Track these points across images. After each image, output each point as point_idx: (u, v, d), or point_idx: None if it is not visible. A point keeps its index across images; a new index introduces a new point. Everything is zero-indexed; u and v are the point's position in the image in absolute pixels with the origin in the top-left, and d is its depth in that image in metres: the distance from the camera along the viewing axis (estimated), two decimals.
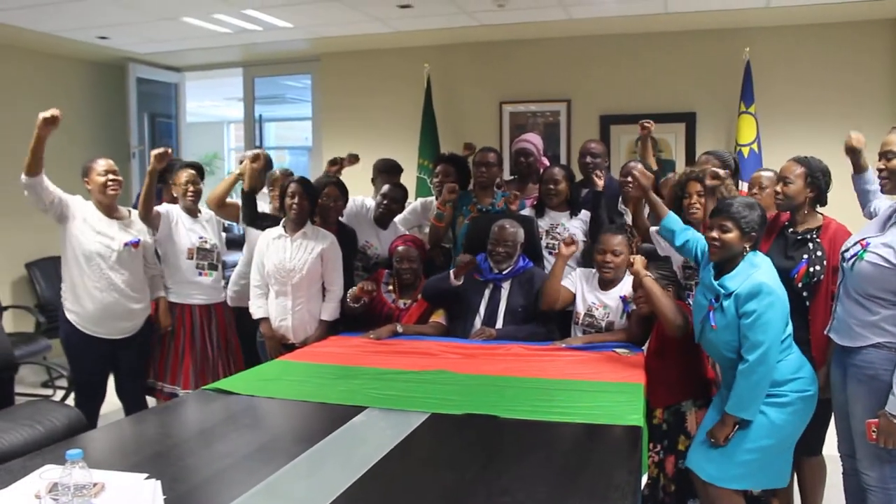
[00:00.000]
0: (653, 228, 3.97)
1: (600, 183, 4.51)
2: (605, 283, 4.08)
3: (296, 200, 4.25)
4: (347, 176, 5.02)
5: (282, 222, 4.36)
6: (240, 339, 4.64)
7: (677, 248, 3.47)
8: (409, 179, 5.81)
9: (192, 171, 4.54)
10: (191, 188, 4.50)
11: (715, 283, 3.05)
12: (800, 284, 3.27)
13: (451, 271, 4.25)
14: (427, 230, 5.04)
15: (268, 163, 4.90)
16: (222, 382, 3.32)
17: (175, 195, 4.56)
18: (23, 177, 3.85)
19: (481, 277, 4.30)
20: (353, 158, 5.27)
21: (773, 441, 2.97)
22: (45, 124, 3.68)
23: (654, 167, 4.71)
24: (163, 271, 4.49)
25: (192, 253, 4.45)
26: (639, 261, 3.55)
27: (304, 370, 3.53)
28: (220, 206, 4.64)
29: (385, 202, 4.82)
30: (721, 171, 3.76)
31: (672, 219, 3.46)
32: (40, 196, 3.91)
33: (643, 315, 3.73)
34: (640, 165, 4.60)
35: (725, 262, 3.07)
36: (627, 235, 4.12)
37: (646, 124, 4.74)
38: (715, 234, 3.06)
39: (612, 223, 4.49)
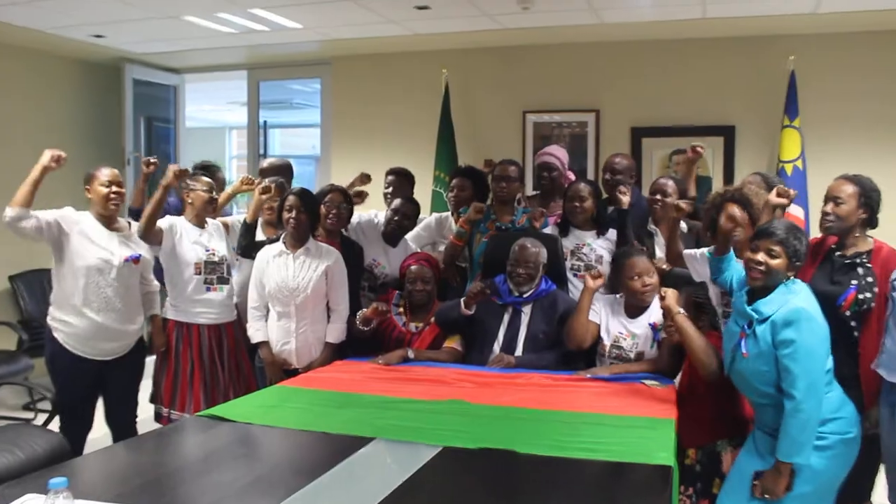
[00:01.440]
0: (687, 252, 3.97)
1: (625, 200, 4.52)
2: (633, 310, 4.07)
3: (293, 214, 4.26)
4: None
5: (281, 238, 4.37)
6: (254, 361, 4.63)
7: (713, 279, 3.49)
8: (423, 193, 5.83)
9: (208, 180, 4.51)
10: (207, 196, 4.44)
11: (748, 308, 3.04)
12: (847, 312, 3.24)
13: (462, 300, 4.26)
14: (441, 248, 5.04)
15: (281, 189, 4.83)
16: (218, 409, 3.31)
17: (189, 201, 4.46)
18: (11, 210, 3.86)
19: (500, 301, 4.30)
20: (365, 178, 5.28)
21: (811, 488, 2.93)
22: (50, 161, 3.84)
23: (693, 192, 4.71)
24: (158, 288, 4.50)
25: (200, 267, 4.39)
26: (671, 295, 3.56)
27: (307, 397, 3.53)
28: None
29: (396, 217, 4.83)
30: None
31: (730, 257, 3.48)
32: (27, 228, 3.90)
33: (674, 344, 3.72)
34: (670, 183, 4.61)
35: (765, 288, 3.05)
36: (649, 258, 4.12)
37: (698, 149, 4.75)
38: (760, 257, 3.04)
39: (641, 242, 4.49)
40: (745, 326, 3.03)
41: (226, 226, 4.65)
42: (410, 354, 4.21)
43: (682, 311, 3.51)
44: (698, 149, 4.75)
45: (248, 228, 4.54)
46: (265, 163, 5.62)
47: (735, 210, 3.57)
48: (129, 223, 4.35)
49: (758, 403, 3.10)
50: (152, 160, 4.72)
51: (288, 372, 4.27)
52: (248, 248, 4.56)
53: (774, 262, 3.02)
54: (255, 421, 3.14)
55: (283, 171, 5.46)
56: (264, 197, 4.55)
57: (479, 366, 4.12)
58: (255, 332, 4.35)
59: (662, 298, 3.57)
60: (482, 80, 6.84)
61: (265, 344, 4.33)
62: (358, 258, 4.69)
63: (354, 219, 4.84)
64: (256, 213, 4.55)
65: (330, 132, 7.41)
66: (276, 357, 4.32)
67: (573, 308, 4.13)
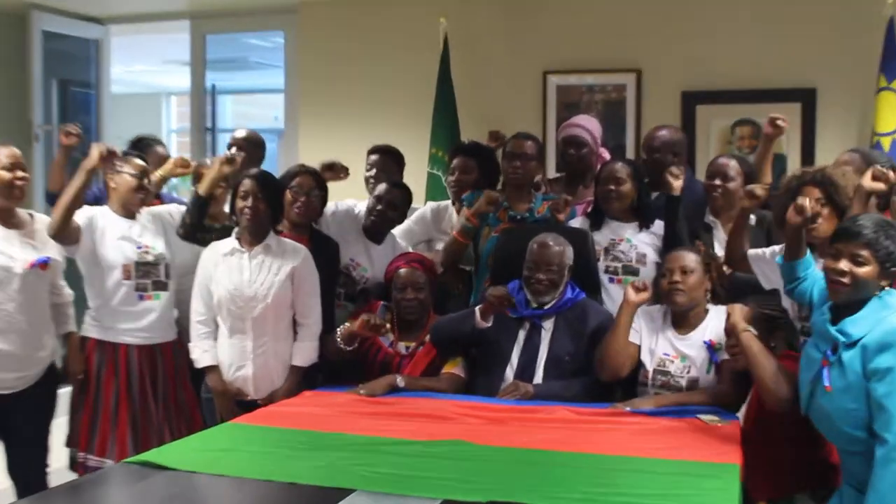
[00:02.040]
0: (754, 252, 3.97)
1: (677, 184, 4.52)
2: (682, 323, 4.08)
3: (249, 203, 4.25)
4: None
5: (234, 233, 4.37)
6: (200, 391, 4.62)
7: (787, 291, 3.50)
8: (415, 176, 5.82)
9: (140, 163, 4.46)
10: (135, 182, 4.40)
11: (832, 328, 3.03)
12: None
13: (478, 308, 4.26)
14: (439, 246, 5.05)
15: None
16: (153, 454, 3.31)
17: (113, 186, 4.43)
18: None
19: (515, 314, 4.30)
20: (338, 168, 5.22)
21: None
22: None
23: (769, 179, 4.71)
24: (72, 298, 4.49)
25: (129, 270, 4.36)
26: (738, 312, 3.58)
27: (269, 437, 3.53)
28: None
29: (380, 207, 4.84)
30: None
31: (807, 261, 3.46)
32: None
33: (740, 369, 3.72)
34: (733, 162, 4.60)
35: (851, 304, 3.05)
36: (700, 255, 4.13)
37: (779, 122, 4.73)
38: (843, 265, 3.02)
39: (696, 238, 4.49)
40: (829, 352, 3.03)
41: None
42: (400, 382, 4.21)
43: (750, 328, 3.52)
44: (779, 122, 4.73)
45: (199, 203, 4.45)
46: (237, 133, 5.60)
47: (811, 194, 3.55)
48: (32, 216, 4.34)
49: (845, 451, 3.10)
50: (72, 129, 4.72)
51: (243, 405, 4.27)
52: (193, 228, 4.46)
53: (862, 271, 3.00)
54: (202, 469, 3.13)
55: (255, 147, 5.50)
56: (227, 170, 4.52)
57: (488, 397, 4.12)
58: (200, 354, 4.34)
59: (729, 316, 3.58)
60: (491, 32, 6.83)
61: (214, 369, 4.32)
62: (333, 258, 4.70)
63: (328, 208, 4.85)
64: (213, 186, 4.49)
65: (296, 99, 7.41)
66: (229, 385, 4.31)
67: (608, 323, 4.14)
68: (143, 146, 5.28)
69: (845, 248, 3.04)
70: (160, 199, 5.06)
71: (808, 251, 3.48)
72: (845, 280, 3.02)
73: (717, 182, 4.58)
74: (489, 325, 4.25)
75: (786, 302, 3.79)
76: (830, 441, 3.19)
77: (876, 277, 3.01)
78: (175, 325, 4.56)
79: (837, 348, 3.00)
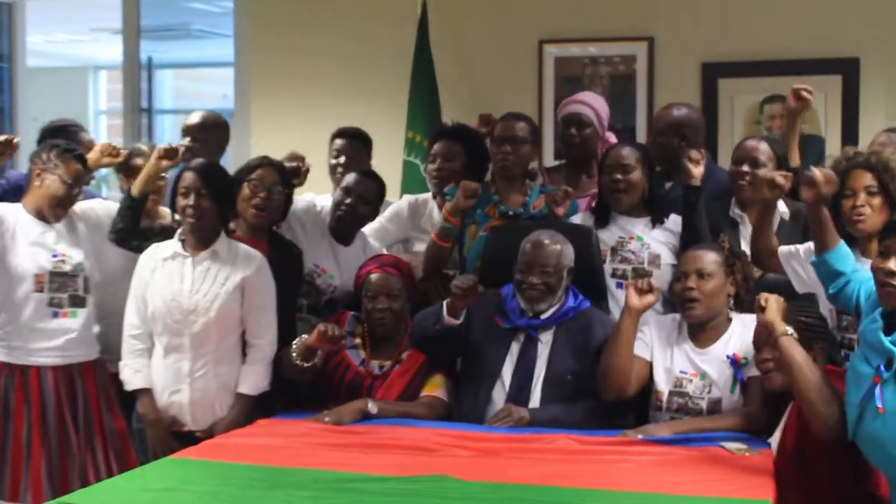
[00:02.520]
0: (783, 249, 3.99)
1: (697, 172, 4.53)
2: (701, 335, 4.10)
3: (191, 200, 4.25)
4: None
5: (177, 234, 4.37)
6: (131, 421, 4.60)
7: (830, 295, 3.50)
8: (390, 165, 5.84)
9: (77, 167, 4.44)
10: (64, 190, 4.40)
11: (886, 339, 3.05)
12: None
13: (445, 302, 4.27)
14: (418, 247, 5.05)
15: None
16: (79, 496, 3.32)
17: (37, 184, 4.43)
18: None
19: (507, 324, 4.32)
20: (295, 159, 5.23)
21: None
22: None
23: (797, 160, 4.72)
24: None
25: (42, 282, 4.37)
26: (773, 303, 3.54)
27: (216, 474, 3.51)
28: None
29: (349, 201, 4.84)
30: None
31: (843, 253, 3.47)
32: None
33: (773, 389, 3.74)
34: (763, 145, 4.61)
35: None
36: (725, 255, 4.14)
37: (804, 93, 4.75)
38: (893, 264, 3.05)
39: (719, 236, 4.51)
40: (882, 368, 3.04)
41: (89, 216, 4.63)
42: (372, 408, 4.22)
43: (790, 330, 3.49)
44: (804, 93, 4.76)
45: (133, 204, 4.47)
46: (192, 117, 5.57)
47: (862, 180, 3.56)
48: None
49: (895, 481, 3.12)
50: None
51: (180, 437, 4.26)
52: (126, 234, 4.49)
53: None
54: None
55: (216, 131, 5.48)
56: (165, 164, 4.52)
57: (476, 424, 4.14)
58: (131, 375, 4.34)
59: (762, 310, 3.56)
60: None
61: (146, 393, 4.32)
62: (295, 266, 4.70)
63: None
64: (148, 184, 4.49)
65: (247, 75, 7.39)
66: (162, 413, 4.31)
67: None
68: (64, 136, 5.22)
69: (894, 244, 3.06)
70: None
71: (844, 242, 3.49)
72: (894, 280, 3.04)
73: (745, 168, 4.57)
74: (459, 322, 4.26)
75: (823, 308, 3.81)
76: (882, 471, 3.19)
77: None
78: (97, 342, 4.55)
79: (893, 363, 3.02)
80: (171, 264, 4.31)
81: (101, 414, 4.49)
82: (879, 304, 3.13)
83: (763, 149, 4.59)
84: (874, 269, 3.10)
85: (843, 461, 3.42)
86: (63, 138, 4.94)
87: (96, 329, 4.54)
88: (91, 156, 4.76)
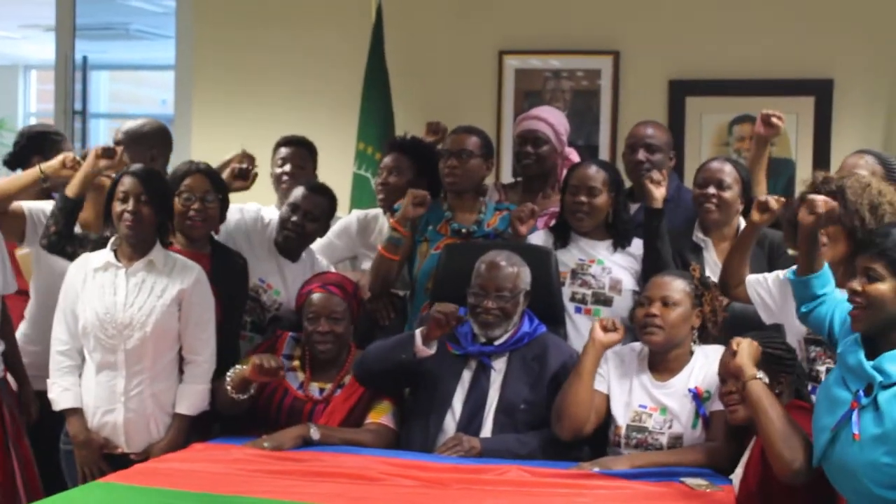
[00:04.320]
0: (753, 278, 4.01)
1: (658, 194, 4.56)
2: (661, 367, 4.13)
3: (130, 206, 4.22)
4: None
5: (110, 244, 4.35)
6: (36, 442, 4.58)
7: (801, 315, 3.52)
8: (339, 176, 5.85)
9: None
10: None
11: (867, 364, 3.07)
12: None
13: (419, 331, 4.26)
14: (367, 265, 5.05)
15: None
16: None
17: None
18: None
19: (458, 350, 4.33)
20: (246, 160, 5.22)
21: None
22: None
23: (763, 188, 4.76)
24: None
25: None
26: (746, 350, 3.58)
27: (150, 501, 3.48)
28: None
29: (295, 218, 4.83)
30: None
31: (826, 277, 3.48)
32: None
33: (736, 423, 3.76)
34: (727, 167, 4.63)
35: (882, 332, 3.09)
36: (693, 284, 4.16)
37: (773, 120, 4.79)
38: (857, 284, 3.09)
39: (683, 261, 4.53)
40: (861, 393, 3.06)
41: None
42: (314, 434, 4.20)
43: (761, 375, 3.52)
44: (773, 120, 4.80)
45: (67, 207, 4.44)
46: (126, 126, 5.53)
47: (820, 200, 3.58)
48: None
49: None
50: None
51: (112, 460, 4.24)
52: (60, 238, 4.45)
53: (876, 290, 3.06)
54: None
55: (156, 140, 5.43)
56: (103, 164, 4.49)
57: (424, 453, 4.13)
58: (59, 394, 4.30)
59: (734, 354, 3.59)
60: (435, 1, 6.85)
61: (75, 413, 4.28)
62: (240, 278, 4.69)
63: (231, 215, 4.81)
64: (85, 185, 4.46)
65: (190, 78, 7.38)
66: (94, 434, 4.27)
67: (573, 363, 4.16)
68: (49, 145, 5.19)
69: (860, 263, 3.11)
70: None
71: (827, 265, 3.52)
72: (859, 301, 3.07)
73: (711, 190, 4.60)
74: (432, 352, 4.24)
75: (791, 339, 3.84)
76: (849, 499, 3.20)
77: (895, 295, 3.05)
78: (0, 360, 4.51)
79: (872, 389, 3.03)
80: (104, 275, 4.28)
81: (8, 439, 4.43)
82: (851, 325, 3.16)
83: (728, 170, 4.62)
84: (848, 289, 3.13)
85: (807, 499, 3.46)
86: (46, 147, 4.93)
87: (1, 347, 4.48)
88: (52, 164, 4.69)
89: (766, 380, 3.52)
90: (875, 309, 3.07)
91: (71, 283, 4.32)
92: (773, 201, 4.00)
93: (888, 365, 3.02)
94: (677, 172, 5.32)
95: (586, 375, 4.05)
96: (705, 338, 4.19)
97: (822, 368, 3.78)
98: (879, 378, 3.02)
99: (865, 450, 3.02)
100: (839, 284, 3.41)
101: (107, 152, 4.46)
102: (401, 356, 4.25)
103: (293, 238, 4.85)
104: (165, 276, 4.30)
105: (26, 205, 4.68)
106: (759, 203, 4.06)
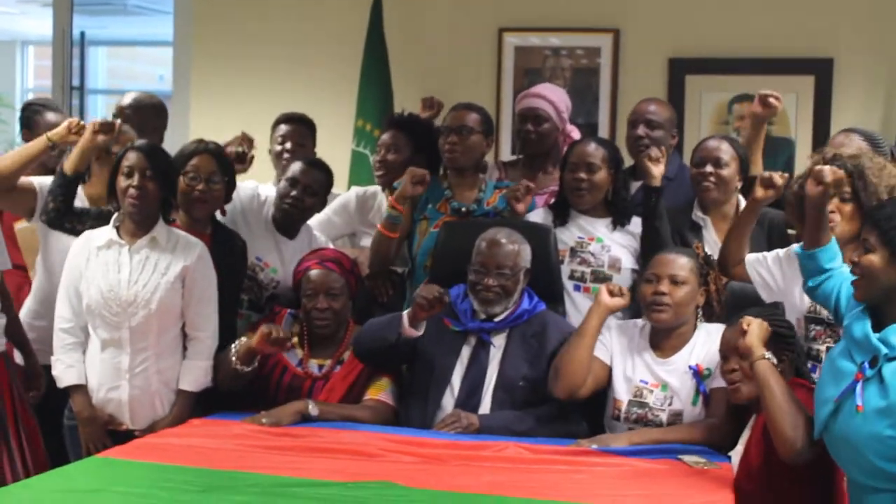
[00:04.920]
0: (753, 257, 4.01)
1: (657, 171, 4.57)
2: (663, 344, 4.14)
3: (135, 181, 4.22)
4: None
5: (112, 221, 4.35)
6: (42, 417, 4.58)
7: (808, 289, 3.53)
8: (338, 153, 5.85)
9: None
10: None
11: (873, 336, 3.08)
12: None
13: (406, 312, 4.27)
14: (365, 242, 5.05)
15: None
16: None
17: None
18: None
19: (457, 326, 4.34)
20: (246, 143, 5.22)
21: None
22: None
23: (760, 168, 4.75)
24: None
25: None
26: (756, 328, 3.57)
27: (146, 476, 3.49)
28: (7, 190, 4.60)
29: (294, 193, 4.82)
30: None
31: (833, 251, 3.50)
32: None
33: (738, 401, 3.77)
34: (724, 145, 4.63)
35: (884, 302, 3.11)
36: (698, 262, 4.17)
37: (770, 100, 4.78)
38: (854, 255, 3.11)
39: (682, 240, 4.54)
40: (866, 365, 3.07)
41: None
42: (312, 410, 4.22)
43: (769, 355, 3.52)
44: (771, 100, 4.79)
45: (66, 182, 4.43)
46: (126, 98, 5.54)
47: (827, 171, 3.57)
48: None
49: (868, 488, 3.13)
50: None
51: (117, 436, 4.24)
52: (58, 214, 4.46)
53: (868, 261, 3.08)
54: None
55: (152, 114, 5.45)
56: (101, 139, 4.48)
57: (423, 430, 4.15)
58: (63, 371, 4.30)
59: (743, 333, 3.58)
60: None
61: (80, 389, 4.29)
62: (240, 258, 4.69)
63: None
64: (83, 160, 4.47)
65: (188, 55, 7.36)
66: (98, 411, 4.28)
67: None
68: (24, 117, 5.22)
69: (866, 235, 3.12)
70: None
71: (834, 239, 3.53)
72: (856, 272, 3.09)
73: (709, 169, 4.60)
74: (419, 333, 4.26)
75: (790, 317, 3.85)
76: (850, 473, 3.20)
77: (886, 267, 3.06)
78: (3, 335, 4.51)
79: (877, 361, 3.04)
80: (107, 253, 4.28)
81: (14, 413, 4.43)
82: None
83: (725, 148, 4.63)
84: (850, 263, 3.15)
85: (809, 480, 3.47)
86: (23, 119, 4.95)
87: (2, 320, 4.48)
88: (58, 131, 4.69)
89: (775, 360, 3.52)
90: (869, 279, 3.08)
91: (74, 261, 4.32)
92: (778, 177, 4.02)
93: (894, 337, 3.03)
94: (678, 151, 5.31)
95: (588, 336, 4.07)
96: (708, 316, 4.20)
97: (822, 347, 3.81)
98: (885, 350, 3.03)
99: (868, 422, 3.02)
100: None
101: (104, 127, 4.44)
102: (389, 337, 4.26)
103: (292, 212, 4.84)
104: (169, 253, 4.30)
105: (36, 180, 4.66)
106: (763, 179, 4.07)
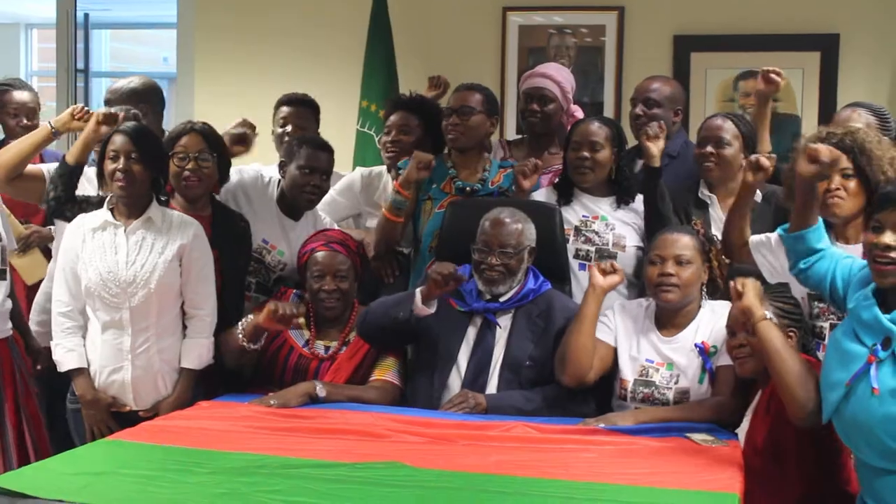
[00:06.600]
0: (756, 239, 4.01)
1: (655, 150, 4.55)
2: (668, 322, 4.15)
3: (121, 164, 4.21)
4: None
5: (106, 203, 4.35)
6: (49, 401, 4.60)
7: (798, 271, 3.52)
8: (343, 134, 5.87)
9: None
10: None
11: (884, 318, 3.07)
12: None
13: (419, 290, 4.27)
14: (370, 223, 5.05)
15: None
16: (5, 479, 3.29)
17: None
18: None
19: (463, 307, 4.35)
20: (247, 126, 5.23)
21: None
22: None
23: (767, 146, 4.75)
24: None
25: None
26: (751, 288, 3.57)
27: (153, 458, 3.51)
28: (14, 179, 4.61)
29: (314, 181, 4.80)
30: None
31: (821, 231, 3.48)
32: None
33: (744, 375, 3.78)
34: (728, 123, 4.62)
35: None
36: (701, 240, 4.17)
37: (773, 76, 4.77)
38: (888, 239, 3.07)
39: (687, 218, 4.55)
40: (879, 347, 3.07)
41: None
42: (319, 391, 4.23)
43: (769, 315, 3.52)
44: (772, 76, 4.79)
45: (68, 173, 4.47)
46: (117, 85, 5.55)
47: (838, 162, 3.57)
48: None
49: (879, 470, 3.13)
50: None
51: (120, 417, 4.25)
52: (59, 203, 4.48)
53: None
54: (69, 497, 3.11)
55: (145, 98, 5.43)
56: (105, 130, 4.45)
57: (430, 410, 4.15)
58: (64, 355, 4.31)
59: (739, 295, 3.58)
60: None
61: (81, 372, 4.29)
62: (243, 239, 4.70)
63: (232, 176, 4.80)
64: (86, 150, 4.48)
65: (192, 37, 7.35)
66: (101, 393, 4.29)
67: None
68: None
69: (888, 218, 3.08)
70: (41, 157, 5.06)
71: (821, 220, 3.52)
72: (893, 255, 3.05)
73: (709, 149, 4.61)
74: (432, 311, 4.26)
75: (796, 295, 3.84)
76: (862, 456, 3.19)
77: None
78: (8, 319, 4.52)
79: (890, 343, 3.04)
80: (103, 235, 4.28)
81: (15, 397, 4.46)
82: (874, 280, 3.13)
83: (727, 127, 4.62)
84: (866, 245, 3.11)
85: (815, 455, 3.48)
86: None
87: (9, 304, 4.50)
88: (62, 118, 4.70)
89: (775, 320, 3.52)
90: None
91: (70, 245, 4.32)
92: (765, 160, 4.02)
93: None
94: (684, 128, 5.31)
95: (588, 321, 4.08)
96: (712, 292, 4.20)
97: (826, 325, 3.80)
98: None
99: (885, 403, 3.02)
100: (854, 240, 3.41)
101: (108, 118, 4.46)
102: (399, 314, 4.26)
103: (314, 200, 4.86)
104: (165, 233, 4.30)
105: (45, 167, 4.69)
106: (750, 163, 4.08)
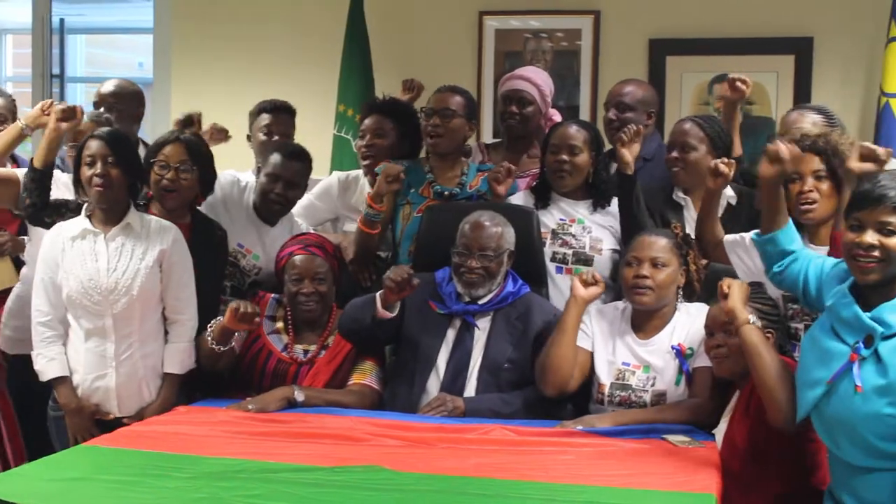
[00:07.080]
0: (730, 238, 4.03)
1: (629, 157, 4.53)
2: (644, 325, 4.16)
3: (98, 169, 4.19)
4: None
5: (84, 210, 4.32)
6: (21, 409, 4.59)
7: (772, 275, 3.54)
8: (319, 139, 5.87)
9: None
10: None
11: (865, 316, 3.08)
12: None
13: (378, 294, 4.28)
14: (348, 227, 5.05)
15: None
16: None
17: None
18: None
19: (442, 309, 4.36)
20: (219, 134, 5.25)
21: None
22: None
23: (738, 150, 4.78)
24: None
25: None
26: (737, 290, 3.59)
27: (131, 463, 3.50)
28: None
29: (278, 189, 4.79)
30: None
31: (792, 232, 3.51)
32: None
33: (721, 375, 3.80)
34: (693, 129, 4.62)
35: (885, 284, 3.10)
36: (677, 242, 4.18)
37: (739, 84, 4.81)
38: (870, 237, 3.07)
39: (663, 220, 4.56)
40: (861, 345, 3.08)
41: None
42: (298, 396, 4.23)
43: (753, 318, 3.54)
44: (738, 84, 4.82)
45: (38, 177, 4.41)
46: (104, 87, 5.53)
47: (810, 164, 3.60)
48: None
49: (861, 469, 3.14)
50: None
51: (105, 425, 4.23)
52: (35, 209, 4.44)
53: (893, 242, 3.05)
54: (46, 503, 3.13)
55: (131, 101, 5.45)
56: (65, 126, 4.44)
57: (408, 413, 4.16)
58: (45, 364, 4.29)
59: (725, 296, 3.60)
60: None
61: (63, 381, 4.27)
62: (220, 246, 4.68)
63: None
64: (51, 151, 4.44)
65: (168, 42, 7.35)
66: (84, 401, 4.27)
67: (556, 322, 4.18)
68: None
69: (869, 217, 3.08)
70: (15, 161, 5.03)
71: (791, 220, 3.55)
72: (875, 255, 3.05)
73: (675, 154, 4.63)
74: (393, 315, 4.27)
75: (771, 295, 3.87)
76: (844, 456, 3.18)
77: None
78: None
79: (873, 340, 3.05)
80: (82, 243, 4.25)
81: None
82: (856, 278, 3.13)
83: (692, 131, 4.62)
84: (846, 244, 3.11)
85: (793, 454, 3.50)
86: None
87: None
88: (31, 114, 4.65)
89: (759, 324, 3.54)
90: (892, 261, 3.05)
91: (49, 254, 4.28)
92: (723, 165, 4.07)
93: (888, 315, 3.04)
94: (660, 131, 5.33)
95: (569, 331, 4.08)
96: (688, 296, 4.22)
97: (801, 325, 3.83)
98: (880, 329, 3.03)
99: (868, 401, 3.03)
100: (831, 240, 3.43)
101: (66, 113, 4.41)
102: (364, 318, 4.29)
103: (278, 209, 4.84)
104: (144, 239, 4.29)
105: (20, 171, 4.64)
106: (709, 169, 4.13)
